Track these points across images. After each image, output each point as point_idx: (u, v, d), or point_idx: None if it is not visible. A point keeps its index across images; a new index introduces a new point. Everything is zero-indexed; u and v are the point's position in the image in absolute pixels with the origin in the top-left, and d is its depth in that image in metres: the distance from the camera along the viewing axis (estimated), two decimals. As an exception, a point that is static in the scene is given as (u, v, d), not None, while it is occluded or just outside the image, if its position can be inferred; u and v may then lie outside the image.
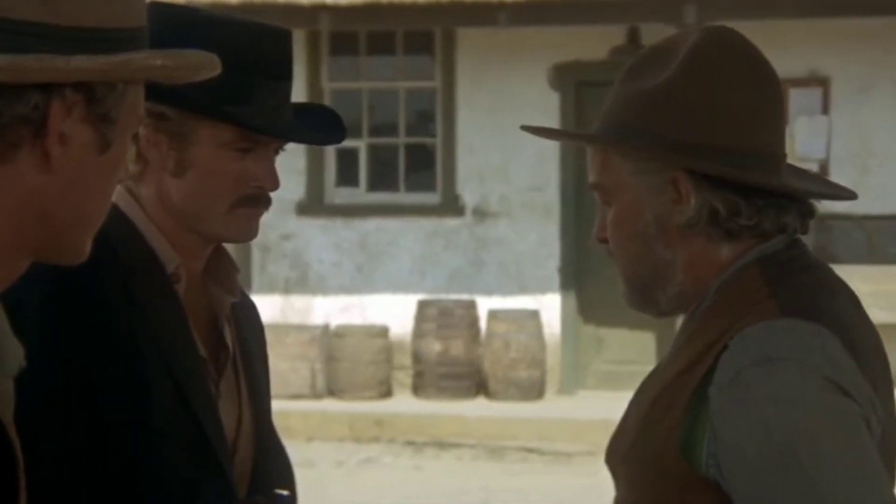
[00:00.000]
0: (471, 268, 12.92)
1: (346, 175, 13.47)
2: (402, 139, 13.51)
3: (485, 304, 12.62)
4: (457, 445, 11.38)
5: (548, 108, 12.88)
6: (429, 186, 13.25)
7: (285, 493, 2.25)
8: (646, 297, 2.04)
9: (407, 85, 13.41)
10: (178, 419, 2.07)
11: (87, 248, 1.49)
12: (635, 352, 12.63)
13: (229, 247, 2.29)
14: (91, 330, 2.02)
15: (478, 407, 12.21)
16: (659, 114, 1.96)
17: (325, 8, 12.11)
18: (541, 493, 9.46)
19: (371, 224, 13.26)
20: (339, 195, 13.46)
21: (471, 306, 12.58)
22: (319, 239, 13.34)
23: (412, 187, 13.37)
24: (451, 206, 13.09)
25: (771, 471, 1.78)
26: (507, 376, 12.33)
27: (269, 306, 13.34)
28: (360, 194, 13.48)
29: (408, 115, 13.53)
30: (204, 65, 1.45)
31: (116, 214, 2.10)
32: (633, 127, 1.97)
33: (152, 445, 2.03)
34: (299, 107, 2.25)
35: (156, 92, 2.02)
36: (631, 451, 1.96)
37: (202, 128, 2.11)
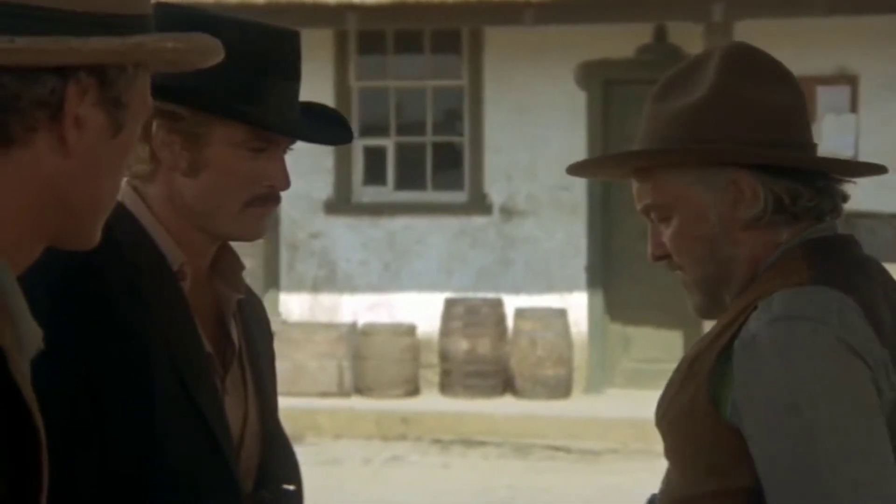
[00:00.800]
0: (498, 266, 12.93)
1: (374, 174, 13.50)
2: (429, 138, 13.53)
3: (512, 303, 12.62)
4: (483, 443, 11.39)
5: (575, 107, 12.88)
6: (456, 185, 13.27)
7: (291, 488, 2.27)
8: (715, 300, 2.17)
9: (434, 84, 13.42)
10: (184, 415, 2.07)
11: (99, 233, 1.54)
12: (662, 350, 12.61)
13: (243, 245, 2.30)
14: (97, 327, 2.03)
15: (504, 405, 12.22)
16: (709, 122, 2.13)
17: (352, 7, 12.13)
18: (567, 492, 9.47)
19: (398, 223, 13.29)
20: (367, 194, 13.49)
21: (498, 305, 12.59)
22: (347, 237, 13.37)
23: (439, 186, 13.39)
24: (479, 204, 13.10)
25: (775, 420, 1.93)
26: (534, 374, 12.34)
27: (297, 304, 13.38)
28: (387, 193, 13.50)
29: (435, 113, 13.54)
30: (211, 49, 1.50)
31: (122, 213, 2.12)
32: (686, 139, 2.13)
33: (158, 441, 2.04)
34: (303, 106, 2.28)
35: (170, 92, 2.04)
36: (671, 406, 2.11)
37: (216, 128, 2.12)
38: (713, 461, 2.06)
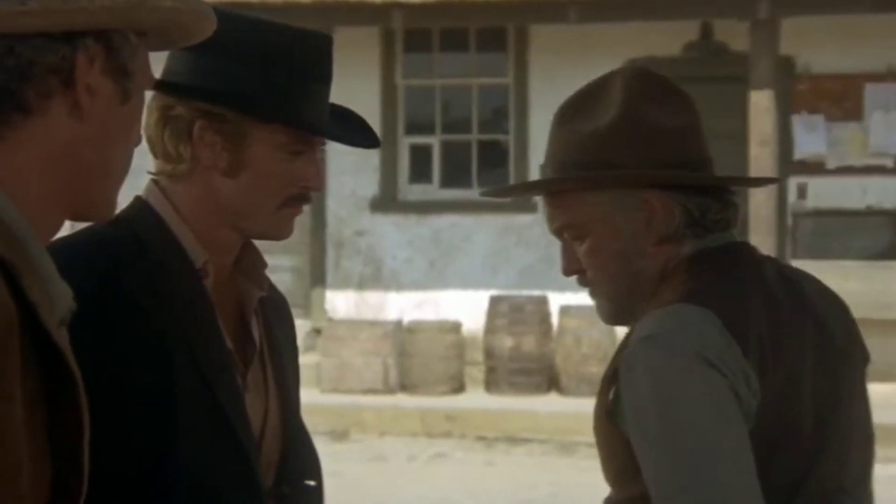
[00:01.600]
0: (542, 264, 12.94)
1: (420, 172, 13.53)
2: (474, 136, 13.55)
3: (556, 300, 12.62)
4: (528, 441, 11.41)
5: (620, 105, 12.87)
6: (501, 183, 13.27)
7: (312, 483, 2.29)
8: (627, 310, 2.29)
9: (480, 82, 13.44)
10: (205, 411, 2.10)
11: (115, 205, 1.60)
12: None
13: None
14: (118, 323, 2.05)
15: (549, 402, 12.23)
16: (619, 145, 2.25)
17: (398, 5, 12.16)
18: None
19: (444, 220, 13.31)
20: (413, 192, 13.53)
21: (542, 302, 12.60)
22: (393, 235, 13.41)
23: (485, 184, 13.41)
24: (524, 202, 13.10)
25: (645, 430, 2.08)
26: (579, 372, 12.33)
27: (343, 302, 13.44)
28: (433, 191, 13.53)
29: (481, 111, 13.56)
30: (206, 14, 1.59)
31: (147, 211, 2.19)
32: (596, 163, 2.25)
33: (179, 437, 2.06)
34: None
35: (218, 95, 2.10)
36: (594, 414, 2.25)
37: (258, 130, 2.16)
38: (616, 468, 2.21)
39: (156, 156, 2.22)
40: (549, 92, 12.97)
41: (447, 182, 13.54)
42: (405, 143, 13.40)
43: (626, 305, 2.30)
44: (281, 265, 13.44)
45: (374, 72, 13.38)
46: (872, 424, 2.36)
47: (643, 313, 2.21)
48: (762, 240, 11.43)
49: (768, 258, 2.34)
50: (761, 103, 11.53)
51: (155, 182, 2.22)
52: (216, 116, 2.14)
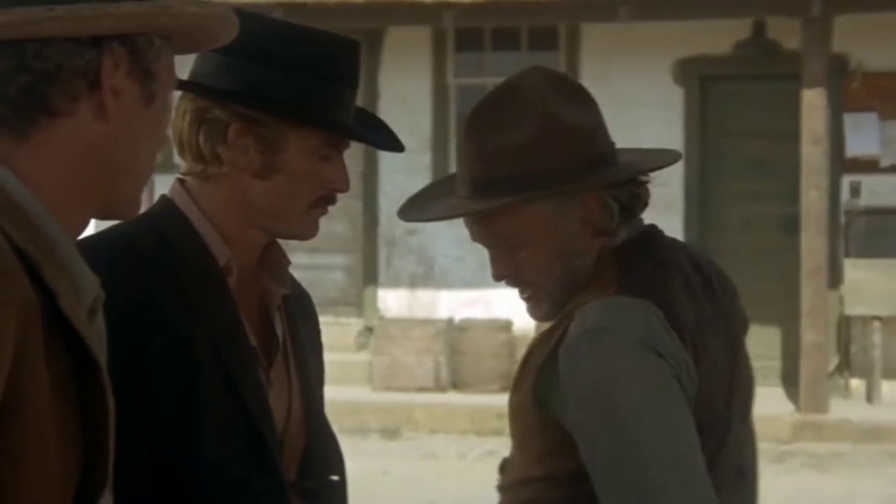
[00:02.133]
0: (594, 262, 12.92)
1: (471, 170, 13.57)
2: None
3: (608, 299, 12.61)
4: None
5: (672, 104, 12.87)
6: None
7: (335, 478, 2.33)
8: (562, 305, 2.35)
9: (531, 80, 13.45)
10: (228, 406, 2.13)
11: (140, 201, 1.64)
12: (761, 346, 12.52)
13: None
14: (143, 320, 2.09)
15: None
16: (547, 154, 2.31)
17: (449, 5, 12.20)
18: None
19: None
20: (464, 190, 13.55)
21: (594, 301, 12.59)
22: (444, 234, 13.44)
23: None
24: (575, 201, 13.12)
25: (594, 416, 2.19)
26: (630, 371, 12.33)
27: (395, 300, 13.49)
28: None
29: (532, 110, 13.58)
30: (229, 18, 1.63)
31: (171, 210, 2.23)
32: (528, 174, 2.30)
33: (203, 432, 2.10)
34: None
35: (258, 100, 2.15)
36: (512, 396, 2.37)
37: (293, 134, 2.20)
38: (540, 450, 2.30)
39: (185, 157, 2.25)
40: (600, 90, 12.85)
41: (498, 181, 13.55)
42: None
43: (565, 301, 2.35)
44: (333, 264, 13.51)
45: (425, 71, 13.43)
46: (752, 405, 2.48)
47: (574, 306, 2.30)
48: (814, 238, 11.40)
49: (674, 240, 2.43)
50: (813, 101, 11.49)
51: (181, 182, 2.27)
52: (254, 120, 2.18)
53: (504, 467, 2.42)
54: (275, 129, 2.19)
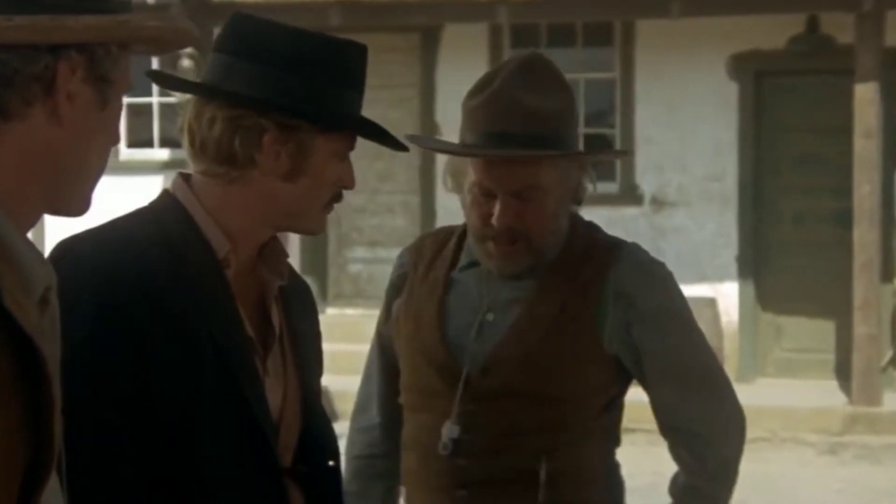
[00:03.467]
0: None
1: (526, 165, 13.66)
2: (581, 129, 13.65)
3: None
4: (633, 430, 11.45)
5: (726, 99, 12.90)
6: (607, 176, 13.34)
7: (331, 463, 2.42)
8: (542, 260, 2.85)
9: (586, 76, 13.52)
10: (225, 394, 2.20)
11: (90, 200, 1.66)
12: (814, 340, 12.61)
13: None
14: (143, 310, 2.15)
15: (655, 393, 12.29)
16: (571, 124, 2.86)
17: (504, 2, 12.31)
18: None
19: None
20: (520, 185, 13.65)
21: (648, 294, 12.64)
22: (500, 228, 13.56)
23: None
24: (630, 195, 13.20)
25: (679, 324, 2.91)
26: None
27: (450, 293, 13.61)
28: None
29: (587, 105, 13.66)
30: (188, 31, 1.68)
31: (173, 205, 2.30)
32: (552, 139, 2.78)
33: (199, 419, 2.17)
34: None
35: (297, 110, 2.25)
36: (544, 344, 2.83)
37: (321, 139, 2.28)
38: (595, 383, 2.87)
39: (204, 159, 2.28)
40: (654, 86, 13.05)
41: (554, 175, 13.62)
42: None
43: (541, 258, 2.84)
44: (392, 258, 13.63)
45: (482, 67, 13.53)
46: None
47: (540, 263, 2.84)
48: (866, 232, 11.45)
49: None
50: (866, 96, 11.52)
51: (184, 178, 2.33)
52: (289, 127, 2.25)
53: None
54: (309, 135, 2.26)
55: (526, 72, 2.80)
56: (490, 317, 2.88)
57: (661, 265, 2.92)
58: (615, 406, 2.97)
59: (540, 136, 2.77)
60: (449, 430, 2.80)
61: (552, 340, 2.82)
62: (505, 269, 2.84)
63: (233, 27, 2.31)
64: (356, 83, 2.32)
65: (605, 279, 2.84)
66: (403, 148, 2.42)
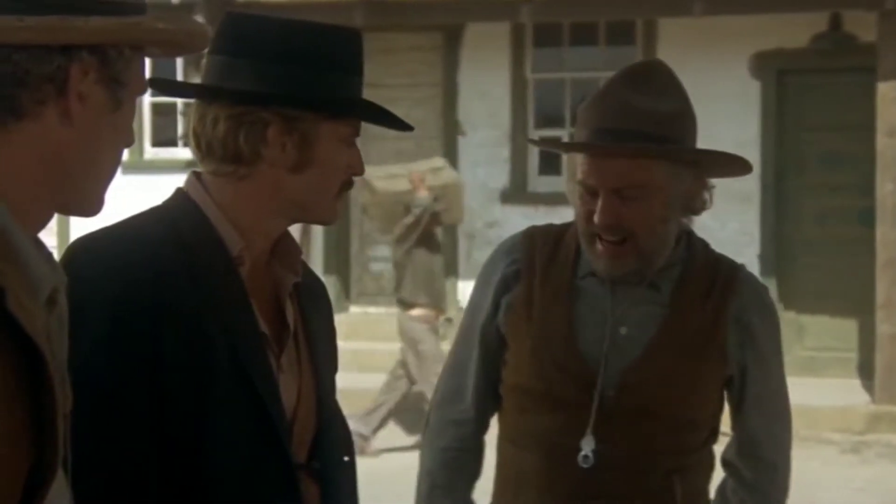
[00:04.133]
0: (671, 254, 12.98)
1: (549, 164, 13.66)
2: (603, 128, 13.63)
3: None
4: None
5: (749, 97, 12.90)
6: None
7: (345, 459, 2.43)
8: (649, 267, 2.80)
9: (609, 75, 13.47)
10: (239, 391, 2.20)
11: (102, 201, 1.67)
12: (837, 338, 12.60)
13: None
14: (156, 310, 2.15)
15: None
16: (686, 128, 2.79)
17: (526, 1, 12.32)
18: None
19: (573, 212, 13.41)
20: (542, 183, 13.67)
21: (671, 292, 12.64)
22: (523, 226, 13.30)
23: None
24: (652, 194, 13.18)
25: (777, 353, 2.97)
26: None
27: (473, 292, 13.61)
28: (562, 183, 13.52)
29: (609, 104, 13.66)
30: (199, 33, 1.69)
31: (186, 203, 2.30)
32: (670, 140, 2.74)
33: (215, 417, 2.18)
34: None
35: (298, 100, 2.26)
36: (677, 370, 2.83)
37: (324, 126, 2.28)
38: (716, 407, 2.93)
39: (211, 159, 2.29)
40: (677, 85, 13.03)
41: (576, 174, 13.62)
42: (535, 135, 13.56)
43: (650, 264, 2.80)
44: (413, 256, 13.70)
45: (504, 66, 13.58)
46: None
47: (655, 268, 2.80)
48: (889, 231, 11.43)
49: None
50: (889, 94, 11.50)
51: (196, 176, 2.33)
52: (292, 118, 2.25)
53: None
54: (313, 124, 2.26)
55: (640, 74, 2.81)
56: (623, 331, 2.85)
57: (768, 291, 3.01)
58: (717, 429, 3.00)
59: (648, 134, 2.72)
60: (588, 443, 2.79)
61: (688, 363, 2.84)
62: (612, 271, 2.81)
63: (226, 28, 2.31)
64: (353, 67, 2.31)
65: (728, 305, 2.88)
66: (408, 127, 2.40)
